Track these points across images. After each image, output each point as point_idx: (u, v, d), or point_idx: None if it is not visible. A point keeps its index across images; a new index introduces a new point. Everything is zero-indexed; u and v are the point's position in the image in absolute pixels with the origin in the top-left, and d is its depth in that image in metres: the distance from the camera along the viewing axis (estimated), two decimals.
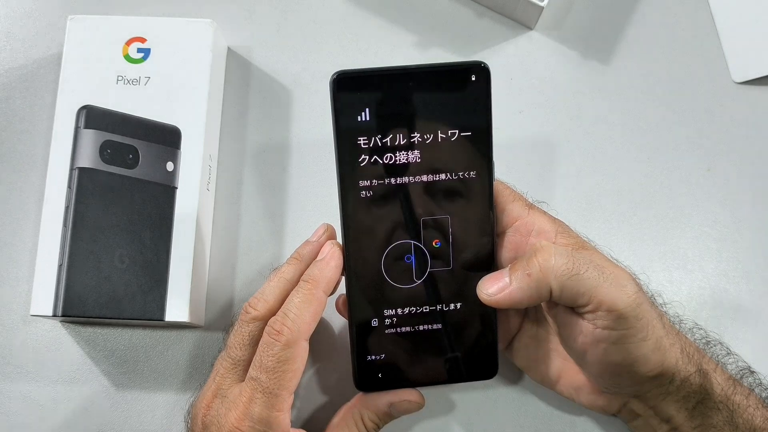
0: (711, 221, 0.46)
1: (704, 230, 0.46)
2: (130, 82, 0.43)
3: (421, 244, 0.36)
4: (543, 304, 0.38)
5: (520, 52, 0.49)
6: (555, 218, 0.38)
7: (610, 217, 0.46)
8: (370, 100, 0.34)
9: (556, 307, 0.36)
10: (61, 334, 0.44)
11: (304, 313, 0.34)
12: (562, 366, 0.39)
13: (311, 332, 0.35)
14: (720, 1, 0.49)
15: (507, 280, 0.34)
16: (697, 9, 0.49)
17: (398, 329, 0.36)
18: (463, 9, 0.49)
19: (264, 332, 0.35)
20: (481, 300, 0.35)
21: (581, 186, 0.46)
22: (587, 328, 0.34)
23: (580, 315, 0.34)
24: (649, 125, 0.47)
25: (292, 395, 0.35)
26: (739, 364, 0.39)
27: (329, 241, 0.37)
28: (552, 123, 0.47)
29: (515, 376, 0.43)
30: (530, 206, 0.38)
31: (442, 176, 0.35)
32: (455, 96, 0.34)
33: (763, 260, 0.45)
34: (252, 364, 0.35)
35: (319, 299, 0.35)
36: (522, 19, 0.49)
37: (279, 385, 0.34)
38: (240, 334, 0.36)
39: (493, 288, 0.35)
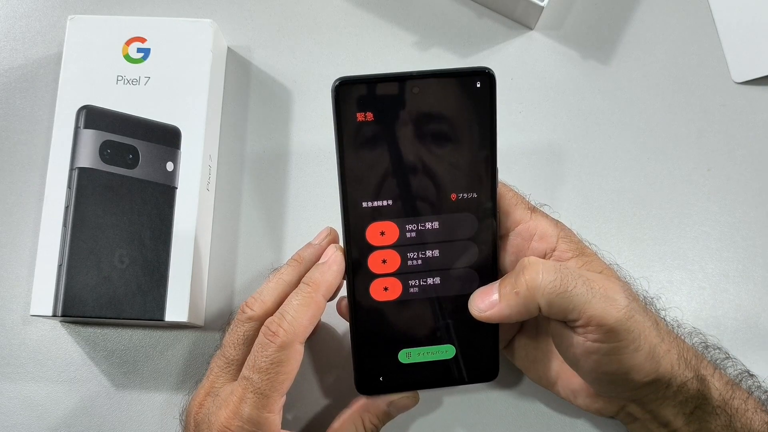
0: (711, 221, 0.46)
1: (704, 230, 0.46)
2: (130, 82, 0.43)
3: (423, 247, 0.36)
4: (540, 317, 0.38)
5: (520, 52, 0.49)
6: (557, 221, 0.38)
7: (609, 217, 0.46)
8: (372, 107, 0.34)
9: (548, 318, 0.36)
10: (61, 334, 0.44)
11: (301, 316, 0.34)
12: (560, 368, 0.39)
13: (307, 335, 0.35)
14: (720, 1, 0.49)
15: (496, 297, 0.35)
16: (697, 9, 0.49)
17: (400, 331, 0.36)
18: (463, 9, 0.49)
19: (260, 332, 0.35)
20: (472, 315, 0.35)
21: (581, 186, 0.46)
22: (578, 341, 0.34)
23: (572, 329, 0.34)
24: (649, 125, 0.47)
25: (284, 397, 0.35)
26: (738, 367, 0.39)
27: (332, 245, 0.37)
28: (552, 123, 0.47)
29: (515, 378, 0.43)
30: (533, 209, 0.37)
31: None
32: (459, 102, 0.34)
33: (763, 260, 0.45)
34: (245, 363, 0.35)
35: (318, 303, 0.35)
36: (522, 19, 0.49)
37: (271, 386, 0.34)
38: (235, 334, 0.36)
39: (483, 304, 0.35)
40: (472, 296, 0.36)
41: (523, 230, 0.37)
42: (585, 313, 0.33)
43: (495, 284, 0.35)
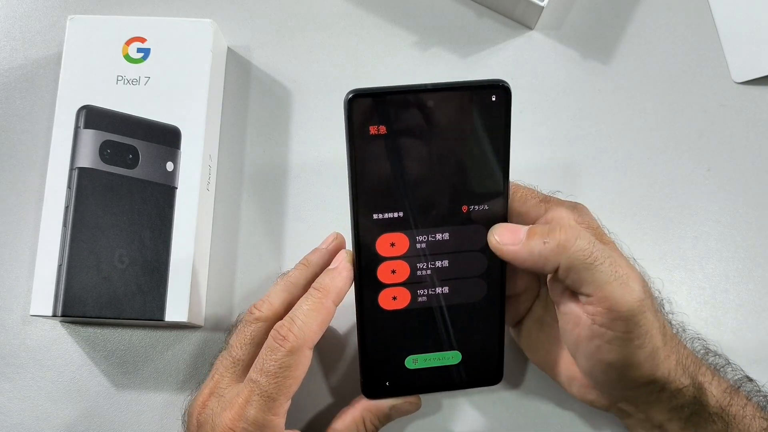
0: (711, 221, 0.46)
1: (704, 230, 0.46)
2: (130, 82, 0.43)
3: (432, 258, 0.36)
4: (551, 290, 0.37)
5: (520, 52, 0.49)
6: (575, 205, 0.37)
7: (610, 217, 0.46)
8: (385, 120, 0.33)
9: (562, 294, 0.35)
10: (61, 334, 0.44)
11: (311, 321, 0.34)
12: (561, 354, 0.39)
13: (316, 341, 0.35)
14: (720, 1, 0.49)
15: (521, 237, 0.34)
16: (697, 9, 0.49)
17: (407, 338, 0.37)
18: (463, 9, 0.49)
19: (269, 335, 0.35)
20: (489, 243, 0.35)
21: (581, 186, 0.46)
22: (585, 322, 0.34)
23: (582, 306, 0.34)
24: (649, 125, 0.47)
25: (290, 400, 0.35)
26: (738, 373, 0.39)
27: (342, 251, 0.37)
28: (552, 123, 0.47)
29: (515, 379, 0.43)
30: (546, 200, 0.37)
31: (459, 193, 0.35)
32: (473, 115, 0.34)
33: (763, 260, 0.45)
34: (253, 365, 0.35)
35: (328, 309, 0.35)
36: (522, 19, 0.49)
37: (278, 390, 0.34)
38: (242, 334, 0.36)
39: (505, 238, 0.34)
40: (495, 227, 0.35)
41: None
42: (600, 292, 0.33)
43: (522, 227, 0.35)
